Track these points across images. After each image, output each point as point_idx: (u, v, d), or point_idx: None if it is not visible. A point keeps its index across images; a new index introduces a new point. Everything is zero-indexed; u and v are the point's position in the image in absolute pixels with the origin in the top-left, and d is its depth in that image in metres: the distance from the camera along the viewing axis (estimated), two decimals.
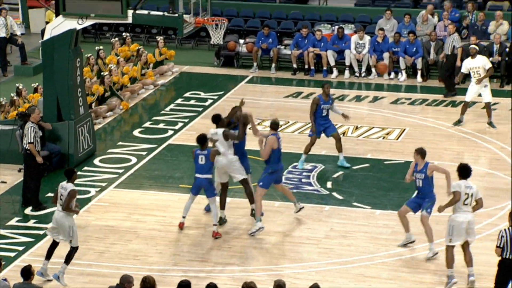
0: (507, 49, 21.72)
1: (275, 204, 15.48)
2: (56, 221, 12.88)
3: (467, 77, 19.59)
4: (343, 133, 18.66)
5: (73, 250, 12.86)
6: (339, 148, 16.90)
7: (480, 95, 18.74)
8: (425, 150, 13.59)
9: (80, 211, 15.20)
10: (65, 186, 12.81)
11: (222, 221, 14.56)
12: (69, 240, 12.85)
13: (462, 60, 19.94)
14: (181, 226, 14.52)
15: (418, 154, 13.51)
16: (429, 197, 13.45)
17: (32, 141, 14.96)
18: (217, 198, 14.46)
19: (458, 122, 18.92)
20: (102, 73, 20.21)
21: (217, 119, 14.62)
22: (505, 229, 11.74)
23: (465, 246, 12.71)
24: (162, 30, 24.47)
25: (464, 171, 12.68)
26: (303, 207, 14.99)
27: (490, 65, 18.62)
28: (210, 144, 14.44)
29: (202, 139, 14.29)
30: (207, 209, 14.88)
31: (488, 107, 18.73)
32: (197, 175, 14.37)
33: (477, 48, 18.88)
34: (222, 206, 14.63)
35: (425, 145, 17.90)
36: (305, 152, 16.88)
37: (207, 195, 14.33)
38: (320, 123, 16.65)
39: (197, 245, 14.06)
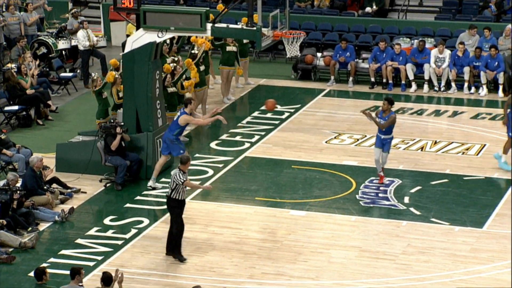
0: None
1: (351, 219, 15.37)
2: None
3: None
4: (421, 148, 18.42)
5: None
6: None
7: None
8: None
9: (157, 222, 15.43)
10: None
11: None
12: None
13: None
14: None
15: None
16: None
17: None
18: None
19: None
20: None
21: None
22: None
23: None
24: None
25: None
26: (155, 188, 16.34)
27: None
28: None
29: None
30: None
31: None
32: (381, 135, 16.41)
33: None
34: None
35: (506, 161, 17.67)
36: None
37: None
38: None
39: (273, 259, 14.04)
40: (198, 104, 20.02)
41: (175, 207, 13.89)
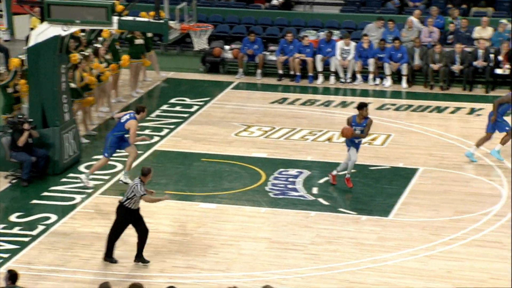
0: (491, 55, 21.83)
1: (261, 210, 15.49)
2: None
3: None
4: (329, 139, 18.70)
5: None
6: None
7: None
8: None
9: (65, 218, 15.22)
10: None
11: None
12: None
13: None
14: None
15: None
16: None
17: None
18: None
19: None
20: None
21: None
22: None
23: None
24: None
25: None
26: (126, 183, 15.88)
27: None
28: None
29: None
30: None
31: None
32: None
33: None
34: None
35: (410, 150, 18.13)
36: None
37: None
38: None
39: (183, 252, 14.05)
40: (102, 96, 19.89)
41: (124, 216, 13.49)
